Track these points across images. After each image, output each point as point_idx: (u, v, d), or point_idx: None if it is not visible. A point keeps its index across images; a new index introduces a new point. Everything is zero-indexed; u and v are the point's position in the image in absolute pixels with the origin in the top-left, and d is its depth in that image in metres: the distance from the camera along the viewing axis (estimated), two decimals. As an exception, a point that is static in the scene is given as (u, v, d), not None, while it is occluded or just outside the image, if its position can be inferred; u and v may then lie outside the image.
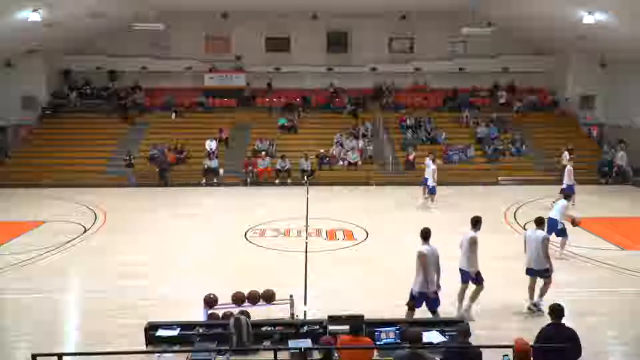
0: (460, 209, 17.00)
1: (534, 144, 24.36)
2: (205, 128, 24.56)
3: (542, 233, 9.15)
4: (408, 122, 25.29)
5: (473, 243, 8.75)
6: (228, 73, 26.72)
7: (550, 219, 11.61)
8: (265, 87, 27.15)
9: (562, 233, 11.81)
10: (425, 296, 8.08)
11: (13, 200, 18.71)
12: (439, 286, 8.15)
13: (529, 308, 9.06)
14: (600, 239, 12.84)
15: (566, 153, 19.90)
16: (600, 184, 21.55)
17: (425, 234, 8.27)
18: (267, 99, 26.74)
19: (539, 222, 9.32)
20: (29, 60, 24.34)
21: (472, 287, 8.93)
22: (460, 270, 8.96)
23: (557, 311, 6.12)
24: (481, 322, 8.56)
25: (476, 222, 8.96)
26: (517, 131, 24.94)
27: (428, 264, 7.99)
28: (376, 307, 9.01)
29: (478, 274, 8.82)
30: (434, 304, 8.14)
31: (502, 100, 26.70)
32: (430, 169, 17.04)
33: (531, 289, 9.17)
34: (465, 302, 8.89)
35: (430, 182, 16.92)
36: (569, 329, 6.07)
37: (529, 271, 9.22)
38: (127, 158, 22.19)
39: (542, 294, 9.03)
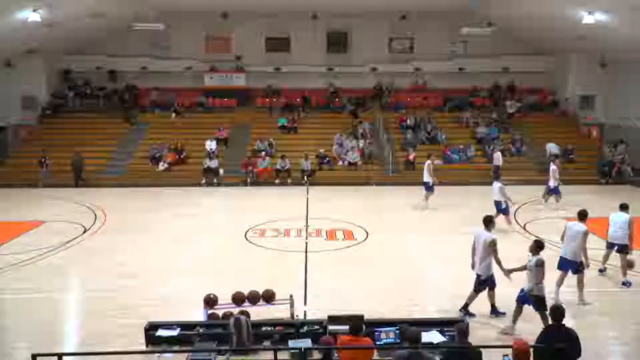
0: (460, 208, 17.01)
1: (534, 144, 24.35)
2: (205, 128, 24.57)
3: (627, 215, 10.45)
4: (408, 122, 25.30)
5: (585, 235, 9.39)
6: (228, 73, 26.73)
7: (496, 202, 14.49)
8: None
9: (505, 211, 14.40)
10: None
11: (13, 200, 18.70)
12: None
13: (600, 270, 10.84)
14: (600, 239, 12.79)
15: (499, 154, 21.43)
16: (600, 184, 21.54)
17: (538, 246, 8.35)
18: (267, 99, 26.80)
19: (625, 206, 10.69)
20: (29, 60, 24.35)
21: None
22: (563, 259, 9.59)
23: (558, 312, 6.12)
24: (481, 322, 8.56)
25: (584, 216, 9.69)
26: (517, 131, 24.97)
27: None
28: (376, 307, 9.02)
29: (581, 264, 9.43)
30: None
31: (511, 110, 26.05)
32: (551, 169, 16.84)
33: (606, 258, 10.87)
34: (577, 292, 9.49)
35: (552, 183, 16.68)
36: (570, 329, 6.06)
37: (611, 245, 10.66)
38: (42, 159, 21.74)
39: (623, 272, 10.35)
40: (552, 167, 16.89)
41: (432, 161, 17.39)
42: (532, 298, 8.10)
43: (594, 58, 25.05)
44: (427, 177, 16.94)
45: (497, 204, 14.52)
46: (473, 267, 9.07)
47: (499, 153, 21.69)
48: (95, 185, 21.09)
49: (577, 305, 9.36)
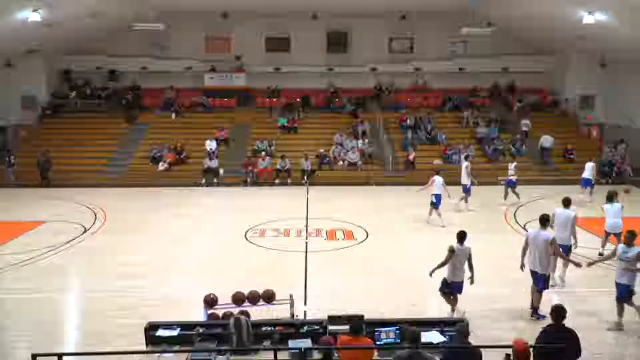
0: (460, 208, 17.00)
1: (534, 144, 24.33)
2: (205, 128, 24.57)
3: (619, 204, 11.96)
4: (408, 122, 25.29)
5: (575, 219, 10.34)
6: (228, 73, 26.72)
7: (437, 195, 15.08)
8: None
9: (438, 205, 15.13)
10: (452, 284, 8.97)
11: (13, 200, 18.71)
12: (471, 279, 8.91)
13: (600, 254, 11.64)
14: (600, 239, 12.82)
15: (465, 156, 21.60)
16: (601, 184, 21.51)
17: (460, 236, 8.88)
18: (267, 99, 26.79)
19: (611, 196, 11.96)
20: (29, 60, 24.35)
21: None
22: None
23: (558, 312, 6.11)
24: (481, 322, 8.56)
25: (569, 203, 10.65)
26: (517, 131, 24.97)
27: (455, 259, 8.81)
28: (376, 307, 9.02)
29: (570, 247, 10.33)
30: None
31: (525, 129, 24.97)
32: (588, 169, 18.08)
33: (604, 242, 12.15)
34: (561, 268, 10.45)
35: (587, 174, 17.96)
36: (570, 329, 6.05)
37: (609, 233, 11.98)
38: (8, 159, 21.73)
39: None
40: (591, 164, 18.20)
41: (469, 162, 17.35)
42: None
43: (594, 58, 25.05)
44: (465, 180, 16.80)
45: (437, 196, 15.08)
46: (522, 268, 9.19)
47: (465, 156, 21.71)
48: (95, 185, 21.08)
49: (558, 280, 10.34)
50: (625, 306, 8.56)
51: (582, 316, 8.88)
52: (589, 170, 18.02)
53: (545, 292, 9.26)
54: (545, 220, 9.20)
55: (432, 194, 15.10)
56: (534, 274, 9.04)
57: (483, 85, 27.53)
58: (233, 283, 9.14)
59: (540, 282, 8.97)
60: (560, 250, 9.43)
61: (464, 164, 17.14)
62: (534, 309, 8.97)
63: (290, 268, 11.48)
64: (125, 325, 8.54)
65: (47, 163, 21.66)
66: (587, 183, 18.04)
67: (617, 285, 8.56)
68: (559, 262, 10.24)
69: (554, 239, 8.99)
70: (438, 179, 15.19)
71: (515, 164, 18.22)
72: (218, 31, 26.98)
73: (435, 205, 15.07)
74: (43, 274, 11.27)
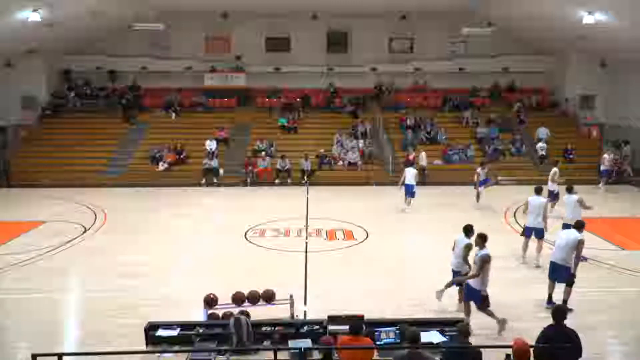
0: (460, 208, 17.02)
1: (534, 144, 24.31)
2: (205, 128, 24.57)
3: (575, 196, 12.00)
4: (408, 122, 25.29)
5: (545, 205, 11.73)
6: (228, 73, 26.72)
7: (409, 185, 16.54)
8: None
9: (414, 194, 16.72)
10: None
11: (13, 200, 18.71)
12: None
13: None
14: (600, 239, 12.84)
15: (424, 153, 21.97)
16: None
17: (466, 230, 9.26)
18: (267, 99, 26.79)
19: (571, 188, 12.19)
20: (29, 60, 24.33)
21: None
22: (528, 227, 11.74)
23: (560, 313, 6.11)
24: (481, 322, 8.55)
25: (541, 190, 11.99)
26: (517, 131, 24.96)
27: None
28: (376, 307, 9.02)
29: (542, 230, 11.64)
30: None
31: (542, 153, 23.74)
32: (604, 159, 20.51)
33: None
34: (535, 254, 11.51)
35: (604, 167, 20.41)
36: (571, 330, 6.04)
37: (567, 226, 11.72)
38: None
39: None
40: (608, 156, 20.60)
41: (558, 169, 16.62)
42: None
43: (594, 58, 25.05)
44: (552, 186, 16.10)
45: (409, 186, 16.58)
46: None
47: (424, 153, 22.05)
48: (95, 185, 21.08)
49: (534, 265, 11.30)
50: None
51: (582, 316, 8.89)
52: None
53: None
54: (581, 226, 9.39)
55: (405, 184, 16.56)
56: (553, 264, 9.34)
57: (483, 85, 27.53)
58: (233, 283, 9.15)
59: (561, 275, 9.23)
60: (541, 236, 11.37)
61: (553, 170, 16.45)
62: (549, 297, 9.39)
63: (290, 268, 11.47)
64: (125, 325, 8.53)
65: (6, 164, 21.75)
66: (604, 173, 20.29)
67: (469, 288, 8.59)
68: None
69: (582, 239, 9.16)
70: (410, 171, 16.73)
71: (486, 169, 18.11)
72: (218, 31, 26.97)
73: (408, 194, 16.62)
74: (43, 274, 11.27)
